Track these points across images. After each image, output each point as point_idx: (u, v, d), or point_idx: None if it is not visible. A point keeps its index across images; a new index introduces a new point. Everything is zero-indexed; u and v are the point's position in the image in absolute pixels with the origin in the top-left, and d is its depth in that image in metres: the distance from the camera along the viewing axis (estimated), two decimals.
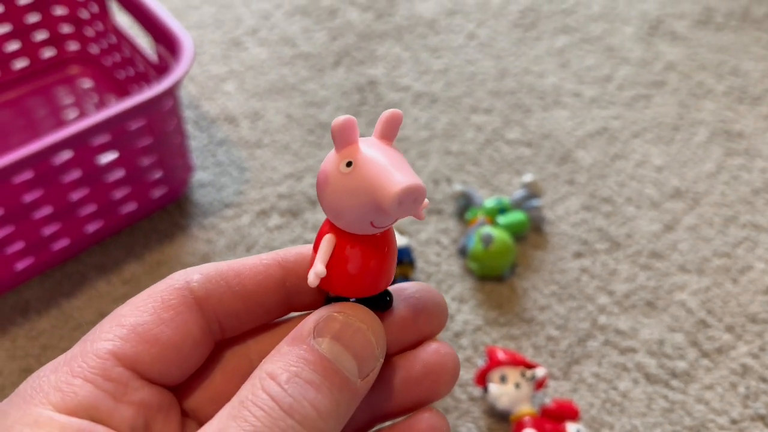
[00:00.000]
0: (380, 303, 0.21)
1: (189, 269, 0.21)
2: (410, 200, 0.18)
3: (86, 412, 0.18)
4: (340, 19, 0.72)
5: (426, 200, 0.19)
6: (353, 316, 0.20)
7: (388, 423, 0.22)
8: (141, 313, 0.20)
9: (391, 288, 0.22)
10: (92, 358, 0.19)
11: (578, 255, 0.53)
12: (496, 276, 0.51)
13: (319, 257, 0.20)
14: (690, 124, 0.63)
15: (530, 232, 0.54)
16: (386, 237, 0.20)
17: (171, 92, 0.47)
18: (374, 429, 0.23)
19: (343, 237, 0.20)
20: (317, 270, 0.19)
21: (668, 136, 0.62)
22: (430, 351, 0.22)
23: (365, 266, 0.20)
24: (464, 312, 0.50)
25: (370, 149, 0.18)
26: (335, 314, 0.20)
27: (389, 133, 0.19)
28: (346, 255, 0.20)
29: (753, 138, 0.62)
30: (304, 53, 0.69)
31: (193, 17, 0.72)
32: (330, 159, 0.19)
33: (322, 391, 0.18)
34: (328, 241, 0.20)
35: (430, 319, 0.22)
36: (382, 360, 0.20)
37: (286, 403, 0.18)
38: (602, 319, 0.49)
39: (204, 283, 0.21)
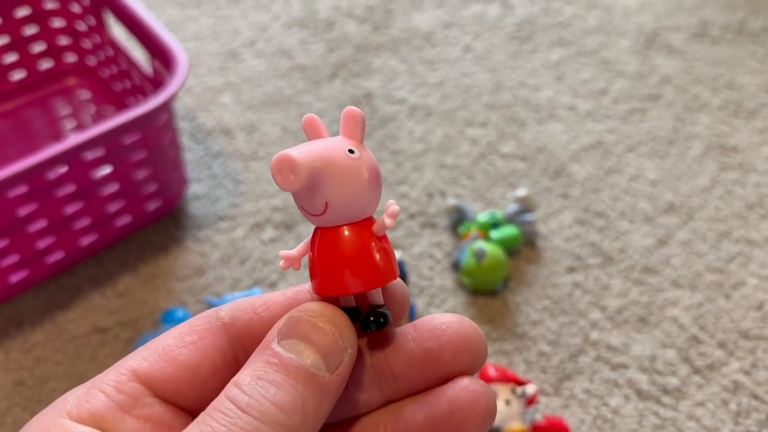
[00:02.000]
0: (368, 321, 0.20)
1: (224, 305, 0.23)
2: (275, 169, 0.18)
3: (94, 421, 0.19)
4: (337, 32, 0.73)
5: (395, 207, 0.19)
6: (311, 312, 0.20)
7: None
8: (168, 337, 0.21)
9: (423, 319, 0.21)
10: (114, 374, 0.20)
11: (571, 270, 0.53)
12: (488, 290, 0.51)
13: (295, 248, 0.21)
14: (685, 138, 0.63)
15: (523, 247, 0.55)
16: (356, 233, 0.20)
17: (165, 106, 0.48)
18: None
19: (315, 234, 0.21)
20: (281, 254, 0.21)
21: (663, 150, 0.62)
22: (458, 388, 0.20)
23: (335, 258, 0.20)
24: None
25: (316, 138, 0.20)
26: (295, 315, 0.20)
27: (347, 130, 0.20)
28: (315, 248, 0.20)
29: (747, 152, 0.62)
30: (300, 65, 0.69)
31: (190, 29, 0.73)
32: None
33: (284, 388, 0.18)
34: (306, 240, 0.21)
35: (457, 355, 0.21)
36: (351, 351, 0.20)
37: (242, 401, 0.18)
38: (594, 335, 0.50)
39: (231, 310, 0.22)
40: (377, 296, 0.21)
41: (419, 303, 0.51)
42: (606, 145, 0.62)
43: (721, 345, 0.49)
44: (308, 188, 0.19)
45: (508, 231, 0.53)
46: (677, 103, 0.66)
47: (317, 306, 0.20)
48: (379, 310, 0.20)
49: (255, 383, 0.19)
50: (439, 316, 0.21)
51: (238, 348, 0.21)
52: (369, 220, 0.20)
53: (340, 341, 0.20)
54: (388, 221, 0.20)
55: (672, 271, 0.53)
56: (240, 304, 0.22)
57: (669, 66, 0.69)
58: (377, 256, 0.20)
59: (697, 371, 0.48)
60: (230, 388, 0.19)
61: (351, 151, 0.19)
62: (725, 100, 0.66)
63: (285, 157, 0.18)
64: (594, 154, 0.61)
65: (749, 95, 0.67)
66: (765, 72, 0.69)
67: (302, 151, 0.18)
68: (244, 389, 0.18)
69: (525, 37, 0.72)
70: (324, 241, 0.20)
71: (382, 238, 0.20)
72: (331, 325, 0.20)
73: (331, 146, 0.19)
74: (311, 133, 0.20)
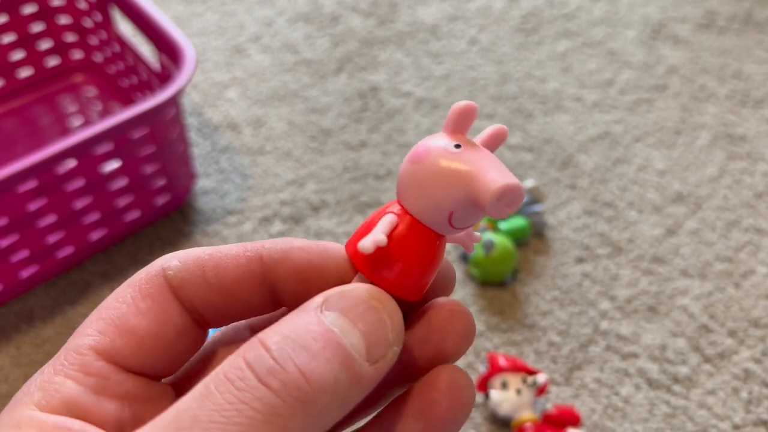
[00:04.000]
0: None
1: (169, 255, 0.20)
2: (507, 200, 0.17)
3: (67, 408, 0.18)
4: (342, 26, 0.73)
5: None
6: (367, 293, 0.18)
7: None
8: (120, 305, 0.19)
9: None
10: (73, 355, 0.18)
11: (580, 260, 0.53)
12: (497, 282, 0.51)
13: (381, 228, 0.18)
14: (692, 128, 0.63)
15: (532, 238, 0.55)
16: (442, 245, 0.19)
17: (173, 101, 0.48)
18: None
19: (406, 224, 0.18)
20: (377, 238, 0.18)
21: (670, 140, 0.62)
22: (434, 307, 0.20)
23: (413, 261, 0.18)
24: None
25: (478, 145, 0.18)
26: (348, 289, 0.18)
27: (487, 142, 0.19)
28: (402, 242, 0.18)
29: (755, 141, 0.62)
30: (306, 60, 0.69)
31: (196, 25, 0.73)
32: (436, 137, 0.18)
33: (318, 360, 0.16)
34: (390, 219, 0.18)
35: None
36: (396, 349, 0.18)
37: (263, 367, 0.15)
38: (604, 325, 0.50)
39: (179, 272, 0.19)
40: None
41: None
42: (613, 136, 0.62)
43: (732, 333, 0.49)
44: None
45: (517, 222, 0.53)
46: (684, 94, 0.66)
47: (375, 290, 0.18)
48: None
49: (285, 344, 0.16)
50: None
51: (191, 311, 0.20)
52: None
53: (389, 334, 0.17)
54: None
55: (681, 261, 0.53)
56: (188, 263, 0.19)
57: (675, 56, 0.69)
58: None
59: (707, 360, 0.48)
60: (251, 348, 0.16)
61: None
62: (732, 89, 0.66)
63: (521, 192, 0.17)
64: (601, 144, 0.61)
65: (756, 84, 0.66)
66: None
67: (517, 180, 0.17)
68: (270, 349, 0.16)
69: (530, 29, 0.72)
70: (419, 242, 0.18)
71: None
72: (385, 313, 0.17)
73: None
74: (464, 122, 0.18)
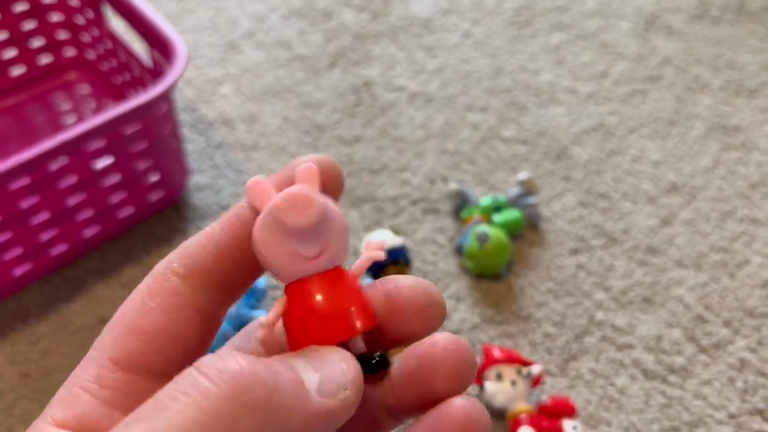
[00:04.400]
0: (371, 361, 0.19)
1: (170, 253, 0.20)
2: (288, 204, 0.18)
3: (79, 423, 0.18)
4: (335, 21, 0.72)
5: (381, 244, 0.20)
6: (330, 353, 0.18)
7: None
8: (131, 310, 0.19)
9: (380, 281, 0.20)
10: (92, 367, 0.19)
11: (574, 251, 0.53)
12: (492, 274, 0.51)
13: (269, 313, 0.19)
14: (686, 119, 0.63)
15: (526, 230, 0.54)
16: (335, 272, 0.19)
17: (165, 96, 0.48)
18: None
19: (291, 287, 0.19)
20: (260, 321, 0.19)
21: (664, 131, 0.62)
22: (427, 345, 0.19)
23: (312, 304, 0.19)
24: (461, 310, 0.50)
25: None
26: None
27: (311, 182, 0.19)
28: (296, 300, 0.19)
29: (749, 131, 0.62)
30: (299, 55, 0.69)
31: (189, 21, 0.73)
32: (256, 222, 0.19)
33: (260, 362, 0.17)
34: (277, 301, 0.19)
35: (409, 319, 0.20)
36: (348, 393, 0.18)
37: (206, 364, 0.16)
38: (599, 316, 0.49)
39: (182, 258, 0.20)
40: (360, 343, 0.20)
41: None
42: (607, 127, 0.62)
43: (727, 323, 0.49)
44: (314, 228, 0.18)
45: (511, 214, 0.53)
46: (678, 84, 0.65)
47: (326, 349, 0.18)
48: (375, 353, 0.20)
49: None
50: (393, 278, 0.20)
51: (206, 291, 0.20)
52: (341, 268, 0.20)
53: (344, 378, 0.18)
54: (375, 254, 0.20)
55: (676, 251, 0.53)
56: (188, 246, 0.20)
57: (669, 47, 0.69)
58: (367, 297, 0.19)
59: (703, 350, 0.48)
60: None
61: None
62: (726, 80, 0.66)
63: (300, 194, 0.18)
64: (595, 136, 0.61)
65: (750, 74, 0.66)
66: (766, 51, 0.68)
67: (308, 190, 0.18)
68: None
69: (524, 22, 0.72)
70: (316, 287, 0.19)
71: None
72: (343, 363, 0.18)
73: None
74: (259, 197, 0.19)
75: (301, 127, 0.62)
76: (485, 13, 0.73)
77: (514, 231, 0.53)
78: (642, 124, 0.62)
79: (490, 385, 0.43)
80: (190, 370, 0.16)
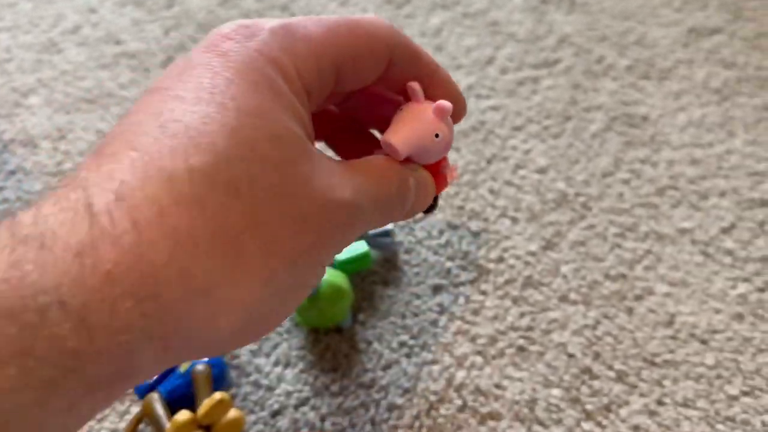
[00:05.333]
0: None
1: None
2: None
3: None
4: (177, 7, 0.61)
5: (456, 170, 0.31)
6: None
7: None
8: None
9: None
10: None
11: (437, 290, 0.43)
12: (331, 327, 0.41)
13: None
14: (584, 110, 0.52)
15: (379, 265, 0.44)
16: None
17: None
18: None
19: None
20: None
21: (557, 128, 0.51)
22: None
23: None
24: (287, 380, 0.39)
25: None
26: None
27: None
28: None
29: (660, 122, 0.51)
30: (128, 52, 0.57)
31: (8, 17, 0.60)
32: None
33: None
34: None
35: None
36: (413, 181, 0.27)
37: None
38: (460, 376, 0.39)
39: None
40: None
41: (249, 347, 0.40)
42: (489, 126, 0.51)
43: (621, 377, 0.39)
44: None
45: (354, 249, 0.42)
46: (577, 67, 0.55)
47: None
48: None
49: None
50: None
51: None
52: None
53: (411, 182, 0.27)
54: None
55: (562, 282, 0.43)
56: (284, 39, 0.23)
57: (569, 22, 0.58)
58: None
59: (589, 416, 0.38)
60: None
61: (437, 135, 0.27)
62: (635, 59, 0.55)
63: (389, 146, 0.26)
64: (474, 138, 0.50)
65: (663, 51, 0.56)
66: (681, 23, 0.58)
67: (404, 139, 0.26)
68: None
69: (401, 1, 0.61)
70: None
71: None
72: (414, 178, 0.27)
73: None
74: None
75: None
76: None
77: (360, 269, 0.42)
78: (530, 120, 0.51)
79: None
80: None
